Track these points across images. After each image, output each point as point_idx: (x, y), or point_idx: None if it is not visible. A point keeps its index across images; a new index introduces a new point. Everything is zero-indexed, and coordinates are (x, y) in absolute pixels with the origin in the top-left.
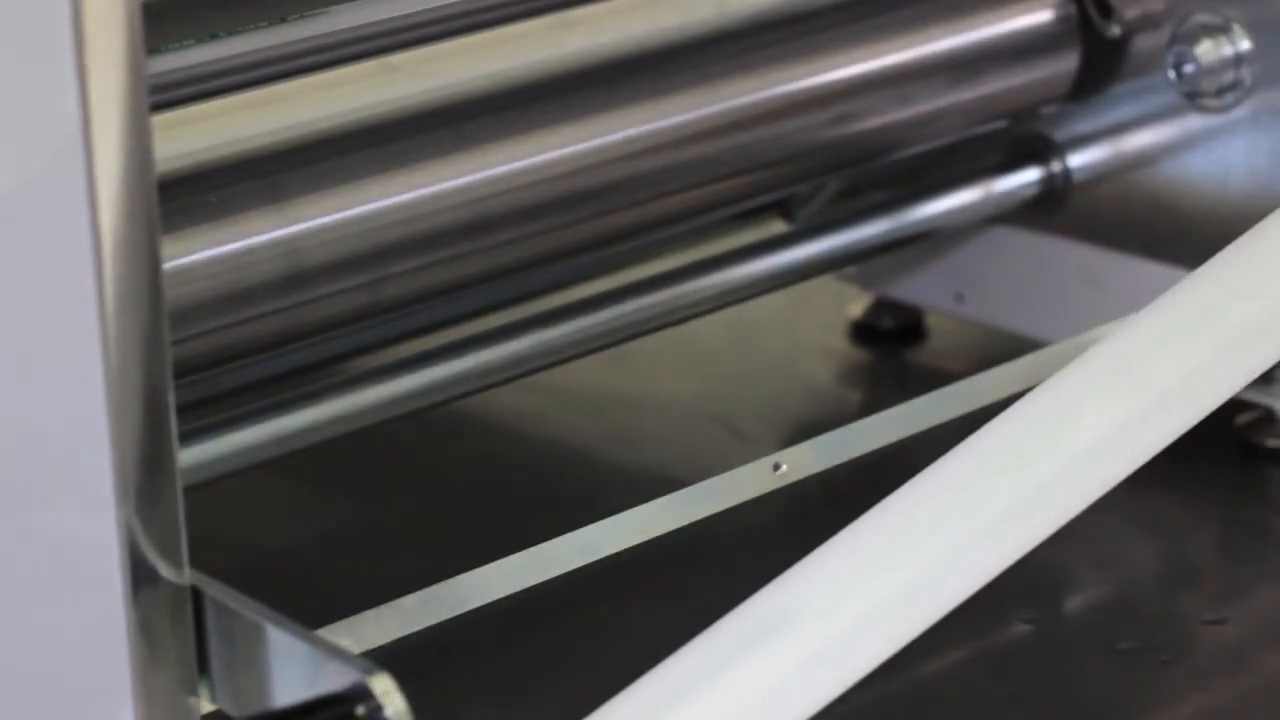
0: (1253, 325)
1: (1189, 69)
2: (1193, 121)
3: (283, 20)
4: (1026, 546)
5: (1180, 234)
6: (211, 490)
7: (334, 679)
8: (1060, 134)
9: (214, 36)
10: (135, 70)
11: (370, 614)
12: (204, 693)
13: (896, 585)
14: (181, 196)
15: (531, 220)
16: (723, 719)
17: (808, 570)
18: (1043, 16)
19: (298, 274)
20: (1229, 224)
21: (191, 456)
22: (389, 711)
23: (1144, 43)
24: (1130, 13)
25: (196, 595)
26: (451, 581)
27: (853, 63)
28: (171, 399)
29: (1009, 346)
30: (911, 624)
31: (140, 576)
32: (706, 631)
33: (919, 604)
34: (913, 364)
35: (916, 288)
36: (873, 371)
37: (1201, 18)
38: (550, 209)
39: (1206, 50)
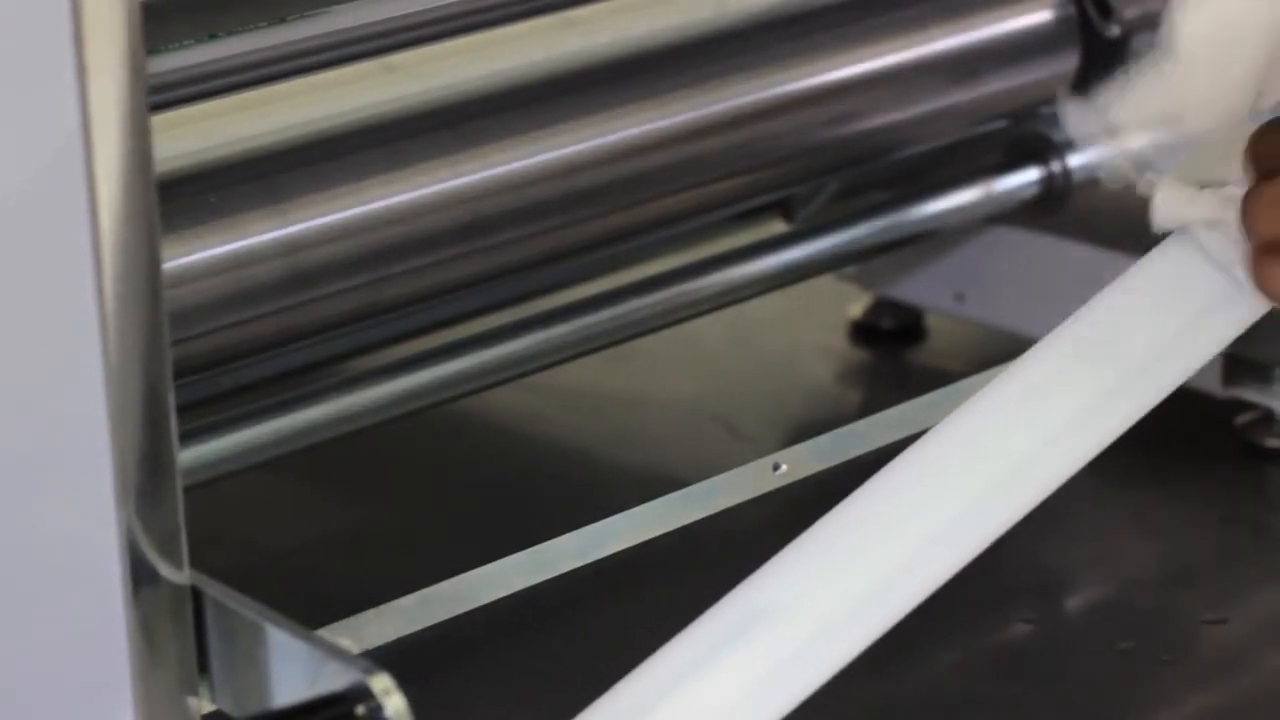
0: (1212, 300)
1: None
2: None
3: (283, 20)
4: (997, 532)
5: None
6: (211, 490)
7: (334, 679)
8: (1060, 134)
9: (214, 36)
10: (135, 70)
11: (370, 614)
12: (204, 693)
13: (870, 578)
14: (181, 196)
15: (531, 220)
16: (702, 717)
17: (781, 566)
18: (1042, 16)
19: (298, 274)
20: None
21: (191, 456)
22: (389, 711)
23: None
24: (1130, 12)
25: (196, 595)
26: (451, 581)
27: (853, 63)
28: (171, 399)
29: (1009, 346)
30: (886, 616)
31: (140, 576)
32: (682, 633)
33: (893, 596)
34: (913, 364)
35: (916, 288)
36: (873, 371)
37: None
38: (550, 209)
39: None
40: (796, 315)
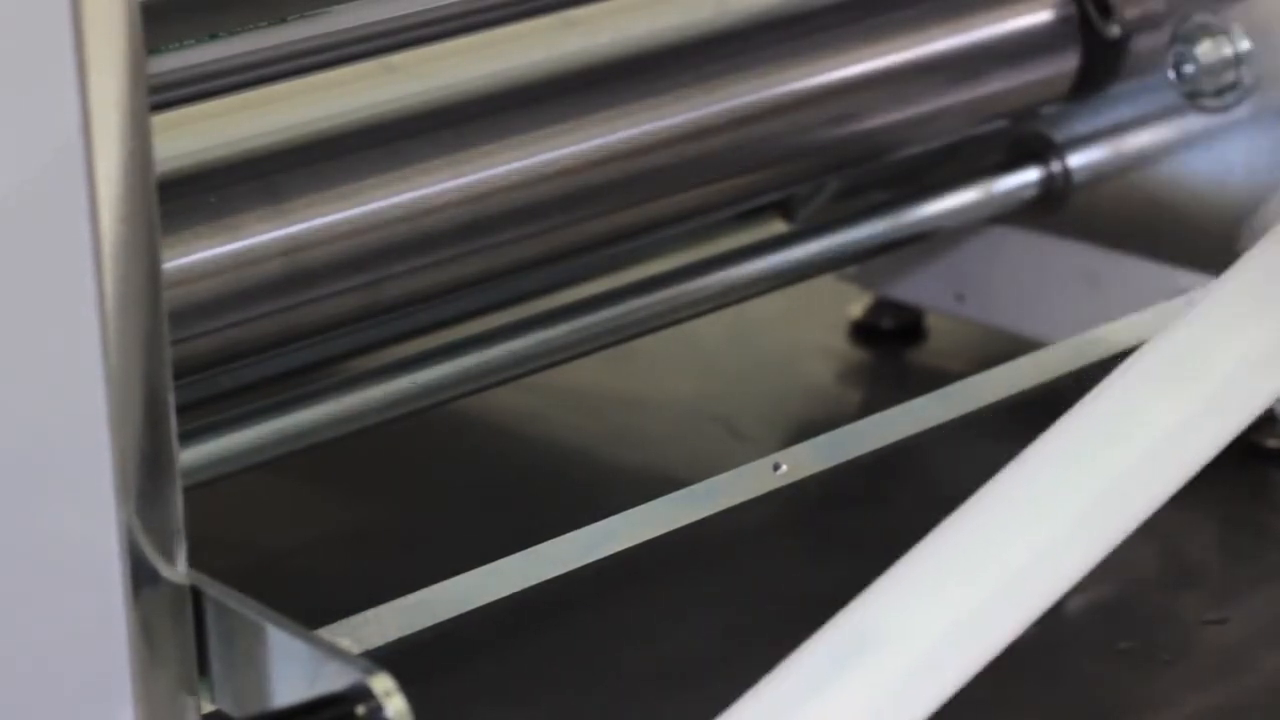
0: None
1: (1189, 69)
2: (1193, 121)
3: (283, 20)
4: (1106, 548)
5: (1180, 234)
6: (211, 490)
7: (334, 679)
8: (1060, 134)
9: (214, 36)
10: (135, 70)
11: (370, 614)
12: (204, 693)
13: (977, 600)
14: (181, 196)
15: (531, 220)
16: None
17: (885, 589)
18: (1043, 16)
19: (297, 274)
20: (1229, 224)
21: (191, 456)
22: (389, 711)
23: (1144, 43)
24: (1130, 13)
25: (196, 595)
26: (451, 581)
27: (853, 63)
28: (171, 399)
29: (1009, 346)
30: (995, 639)
31: (140, 576)
32: (784, 662)
33: (1001, 618)
34: (913, 364)
35: (916, 288)
36: (873, 371)
37: (1201, 18)
38: (550, 209)
39: (1206, 50)
40: (796, 315)
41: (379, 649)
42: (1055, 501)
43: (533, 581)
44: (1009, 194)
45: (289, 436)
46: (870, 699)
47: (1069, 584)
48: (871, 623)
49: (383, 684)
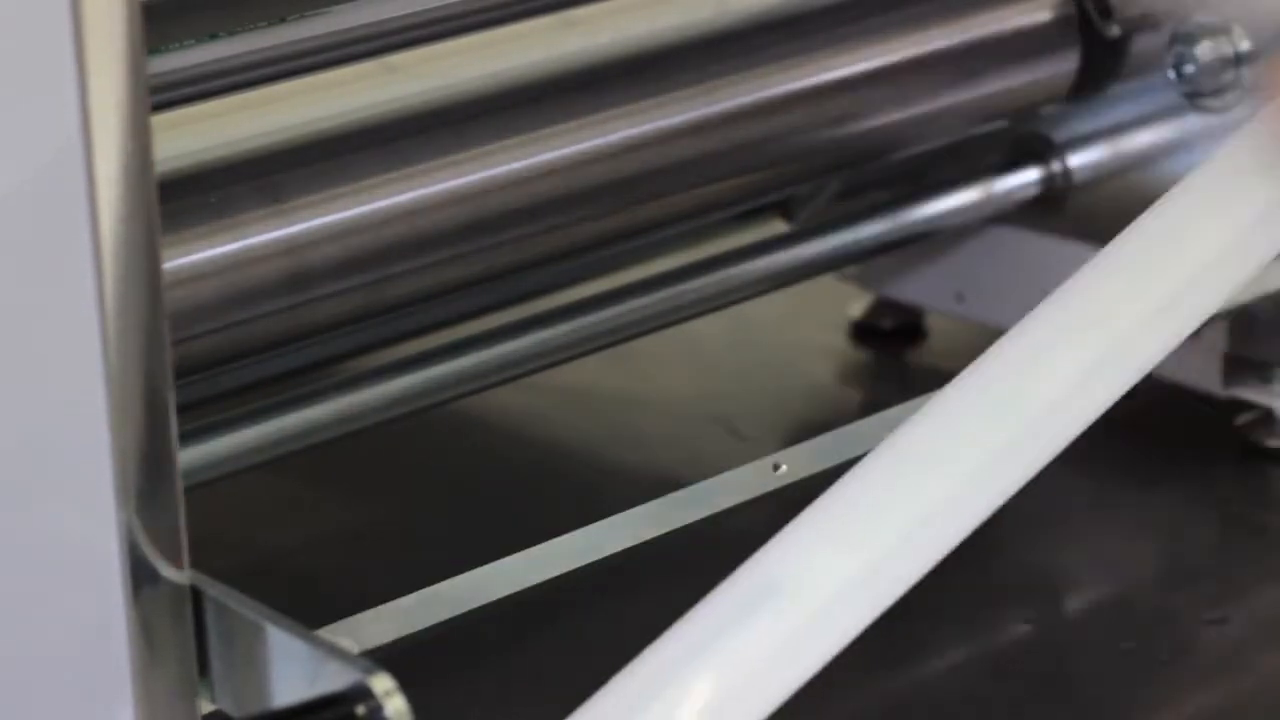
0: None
1: (1189, 69)
2: (1193, 121)
3: (283, 20)
4: (1004, 497)
5: None
6: (211, 490)
7: (334, 679)
8: (1060, 134)
9: (214, 36)
10: (135, 70)
11: (370, 614)
12: (204, 693)
13: (878, 548)
14: (181, 196)
15: (531, 220)
16: (714, 692)
17: (790, 539)
18: (1043, 16)
19: (298, 274)
20: None
21: (191, 456)
22: (389, 711)
23: (1144, 43)
24: (1130, 12)
25: (196, 595)
26: (451, 581)
27: (853, 63)
28: (171, 399)
29: None
30: (895, 584)
31: (140, 576)
32: (694, 608)
33: (900, 565)
34: (913, 364)
35: (916, 288)
36: (873, 371)
37: (1201, 18)
38: (550, 209)
39: (1206, 50)
40: (796, 315)
41: (379, 649)
42: (956, 452)
43: (533, 581)
44: (1009, 194)
45: (289, 436)
46: (772, 645)
47: (966, 533)
48: (776, 571)
49: (383, 684)
